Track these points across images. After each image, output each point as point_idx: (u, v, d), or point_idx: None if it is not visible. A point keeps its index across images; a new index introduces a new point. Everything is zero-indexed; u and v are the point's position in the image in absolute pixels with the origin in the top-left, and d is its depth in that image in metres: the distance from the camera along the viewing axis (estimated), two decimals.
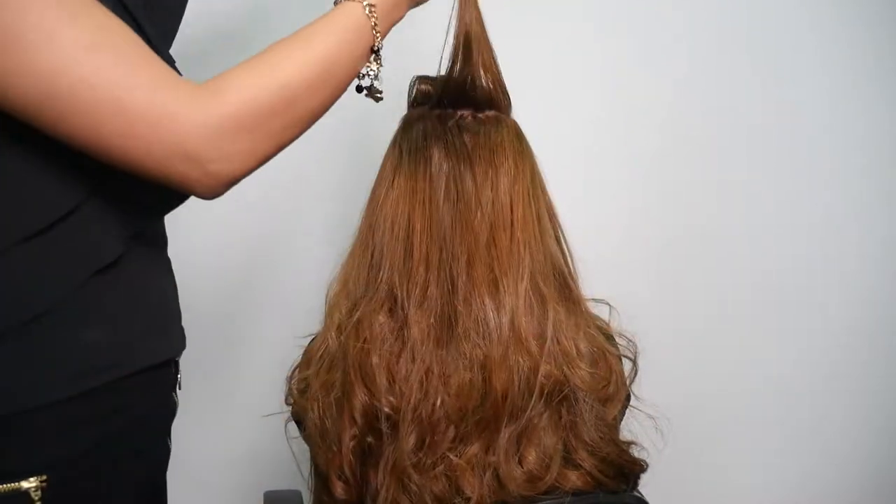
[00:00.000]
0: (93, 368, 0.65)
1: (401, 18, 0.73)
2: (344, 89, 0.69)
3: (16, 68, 0.55)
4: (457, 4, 0.77)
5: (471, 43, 0.76)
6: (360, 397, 0.69)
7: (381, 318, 0.72)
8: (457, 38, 0.77)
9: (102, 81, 0.56)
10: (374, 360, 0.70)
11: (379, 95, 0.72)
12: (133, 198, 0.67)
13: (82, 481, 0.66)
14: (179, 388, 0.81)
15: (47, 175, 0.62)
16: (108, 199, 0.65)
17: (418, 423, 0.68)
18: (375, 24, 0.68)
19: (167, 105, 0.58)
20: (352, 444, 0.69)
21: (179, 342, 0.79)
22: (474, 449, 0.69)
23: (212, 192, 0.64)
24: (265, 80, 0.63)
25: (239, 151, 0.61)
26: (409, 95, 0.83)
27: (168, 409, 0.79)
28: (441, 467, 0.69)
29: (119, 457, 0.69)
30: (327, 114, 0.94)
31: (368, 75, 0.70)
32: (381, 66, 0.70)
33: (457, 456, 0.69)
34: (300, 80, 0.64)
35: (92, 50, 0.56)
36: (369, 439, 0.70)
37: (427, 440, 0.69)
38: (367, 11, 0.68)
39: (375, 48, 0.69)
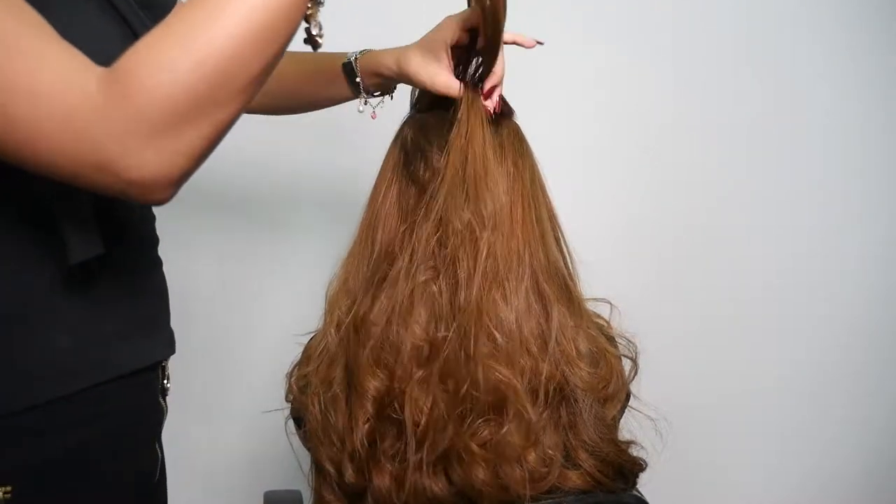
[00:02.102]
0: (61, 376, 0.62)
1: None
2: (286, 48, 0.53)
3: None
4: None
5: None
6: (365, 385, 0.69)
7: (382, 313, 0.72)
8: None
9: None
10: (372, 351, 0.70)
11: (320, 41, 0.57)
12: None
13: (51, 491, 0.63)
14: (167, 394, 0.78)
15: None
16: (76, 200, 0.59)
17: (418, 418, 0.68)
18: None
19: (64, 107, 0.47)
20: (366, 427, 0.69)
21: (164, 347, 0.75)
22: (477, 442, 0.69)
23: (150, 199, 0.53)
24: (181, 57, 0.48)
25: (160, 154, 0.49)
26: (411, 96, 0.83)
27: (153, 416, 0.75)
28: (442, 454, 0.69)
29: (94, 466, 0.66)
30: (327, 112, 0.95)
31: (316, 25, 0.55)
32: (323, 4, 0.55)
33: (461, 448, 0.69)
34: (230, 48, 0.48)
35: None
36: (377, 424, 0.70)
37: (428, 436, 0.69)
38: None
39: None
